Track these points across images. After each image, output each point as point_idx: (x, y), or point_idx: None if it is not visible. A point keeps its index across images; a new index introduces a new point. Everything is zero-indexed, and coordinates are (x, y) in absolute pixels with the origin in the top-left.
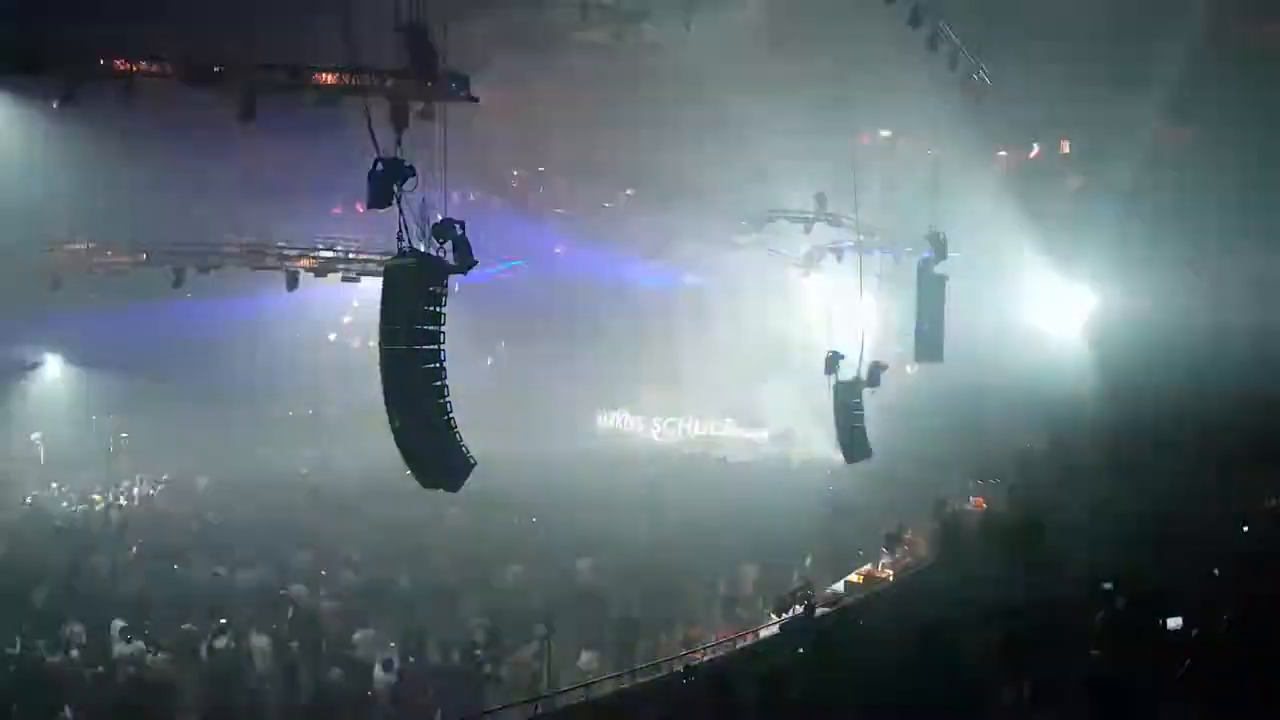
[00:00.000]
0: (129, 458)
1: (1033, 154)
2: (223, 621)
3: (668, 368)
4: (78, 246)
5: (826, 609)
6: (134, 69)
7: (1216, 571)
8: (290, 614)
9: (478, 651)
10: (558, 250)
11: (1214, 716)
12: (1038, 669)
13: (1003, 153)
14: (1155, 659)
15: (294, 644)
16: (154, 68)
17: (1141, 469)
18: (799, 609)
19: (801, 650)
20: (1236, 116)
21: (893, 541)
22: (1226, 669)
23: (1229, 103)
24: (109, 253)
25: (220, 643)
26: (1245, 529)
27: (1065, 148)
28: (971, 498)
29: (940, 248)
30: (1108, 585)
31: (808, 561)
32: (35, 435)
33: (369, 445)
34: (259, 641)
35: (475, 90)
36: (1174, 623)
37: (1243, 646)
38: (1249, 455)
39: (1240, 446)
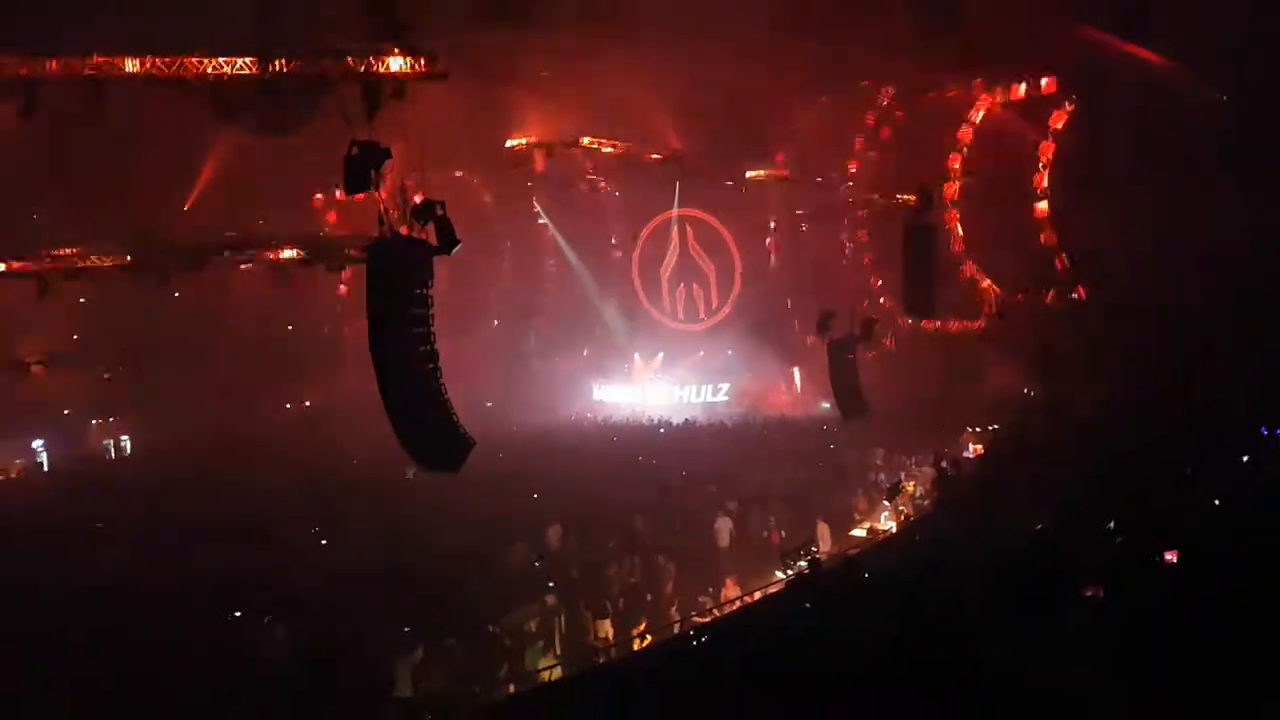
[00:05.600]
0: None
1: None
2: None
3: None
4: (65, 251)
5: (831, 563)
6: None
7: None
8: None
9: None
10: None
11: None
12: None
13: None
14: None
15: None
16: (125, 65)
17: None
18: (803, 565)
19: (808, 605)
20: None
21: (894, 493)
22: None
23: None
24: (94, 257)
25: None
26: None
27: None
28: (970, 444)
29: (927, 200)
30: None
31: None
32: None
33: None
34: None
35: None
36: (1171, 556)
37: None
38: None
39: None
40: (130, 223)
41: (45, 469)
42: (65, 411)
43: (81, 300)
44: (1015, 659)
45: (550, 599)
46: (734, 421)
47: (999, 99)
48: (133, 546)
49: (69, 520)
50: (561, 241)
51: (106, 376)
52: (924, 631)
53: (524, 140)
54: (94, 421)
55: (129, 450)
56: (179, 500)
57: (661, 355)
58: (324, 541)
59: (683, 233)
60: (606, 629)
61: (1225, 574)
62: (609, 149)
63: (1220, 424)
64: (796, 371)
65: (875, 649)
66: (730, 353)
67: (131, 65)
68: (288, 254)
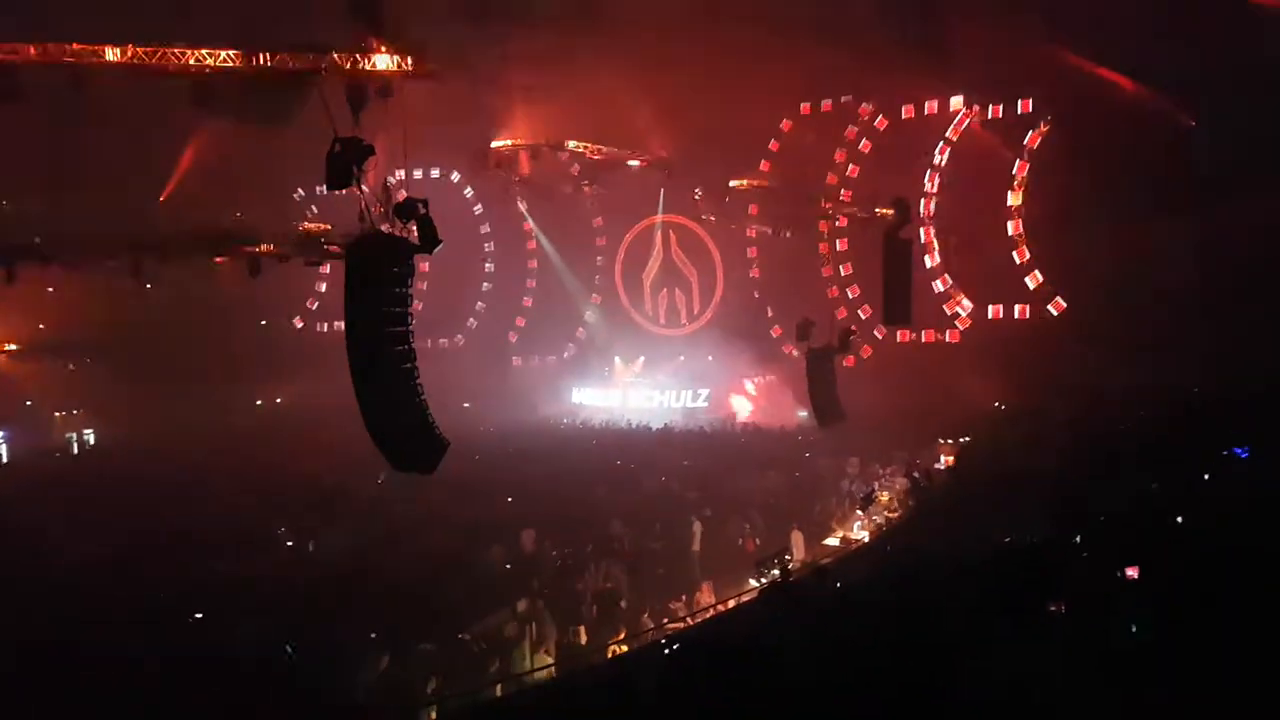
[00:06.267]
0: None
1: None
2: None
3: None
4: (34, 240)
5: (804, 572)
6: (80, 56)
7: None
8: None
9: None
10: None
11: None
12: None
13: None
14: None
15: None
16: (105, 54)
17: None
18: (776, 574)
19: (779, 615)
20: None
21: (868, 502)
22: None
23: None
24: (65, 246)
25: None
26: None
27: None
28: (942, 455)
29: (904, 213)
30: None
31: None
32: None
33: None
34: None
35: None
36: (1132, 572)
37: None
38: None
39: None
40: (104, 212)
41: (3, 461)
42: (28, 403)
43: (49, 289)
44: (985, 671)
45: (522, 605)
46: (713, 428)
47: (976, 117)
48: (91, 545)
49: (24, 517)
50: (545, 243)
51: (71, 368)
52: (894, 642)
53: (509, 142)
54: (56, 414)
55: (92, 444)
56: (141, 498)
57: (643, 359)
58: (290, 543)
59: (666, 238)
60: (579, 636)
61: (1186, 590)
62: (596, 156)
63: (1182, 442)
64: (757, 382)
65: (846, 659)
66: (711, 358)
67: (112, 54)
68: (265, 248)
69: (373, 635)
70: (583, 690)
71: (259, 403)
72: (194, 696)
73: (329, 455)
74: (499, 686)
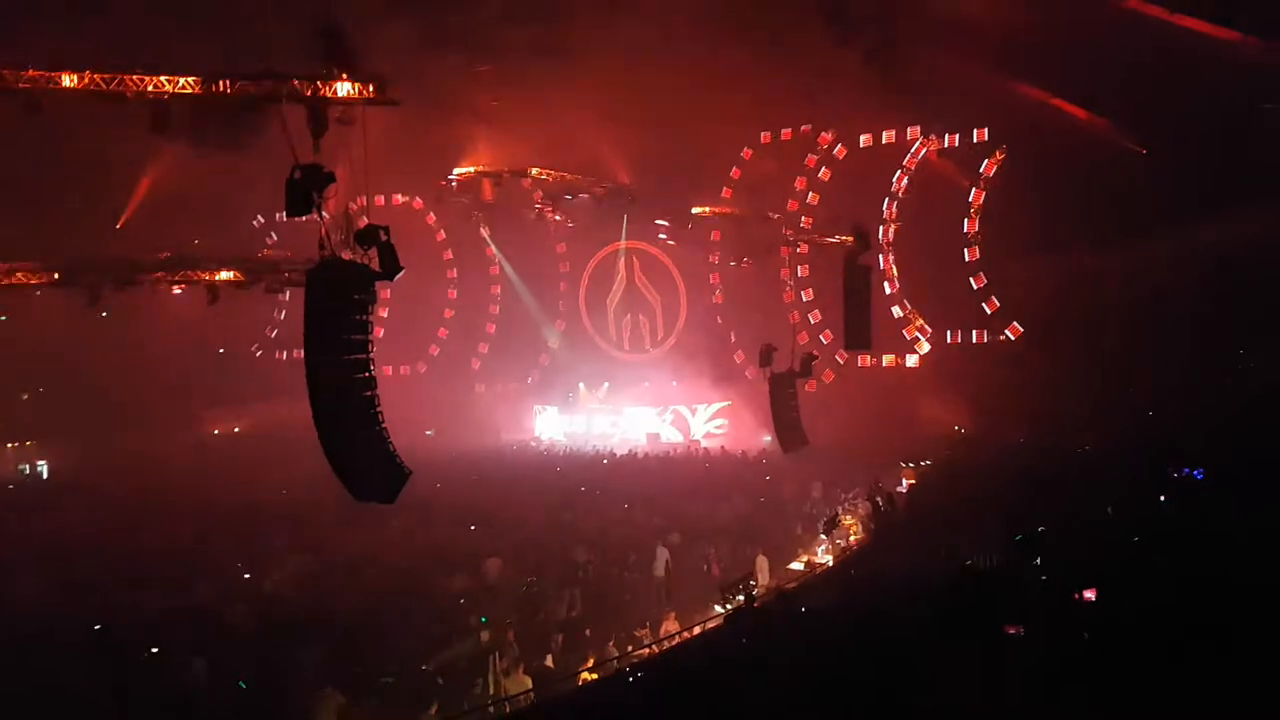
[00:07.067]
0: None
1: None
2: None
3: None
4: None
5: (769, 597)
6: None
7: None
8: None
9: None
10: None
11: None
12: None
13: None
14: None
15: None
16: (62, 80)
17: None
18: (741, 599)
19: (745, 640)
20: None
21: (831, 526)
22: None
23: None
24: (19, 274)
25: None
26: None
27: None
28: (904, 479)
29: (864, 240)
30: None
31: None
32: None
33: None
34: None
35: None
36: (1090, 594)
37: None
38: None
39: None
40: (60, 238)
41: None
42: None
43: (2, 317)
44: (944, 693)
45: (485, 635)
46: (677, 453)
47: (934, 146)
48: (42, 578)
49: None
50: (508, 269)
51: (25, 397)
52: (858, 666)
53: (472, 169)
54: (9, 445)
55: (45, 475)
56: (94, 528)
57: (607, 385)
58: (247, 576)
59: (629, 264)
60: (545, 664)
61: (1142, 611)
62: (558, 183)
63: (1138, 464)
64: (720, 407)
65: (811, 683)
66: (674, 384)
67: (69, 80)
68: (224, 275)
69: (334, 666)
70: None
71: (216, 432)
72: None
73: (288, 484)
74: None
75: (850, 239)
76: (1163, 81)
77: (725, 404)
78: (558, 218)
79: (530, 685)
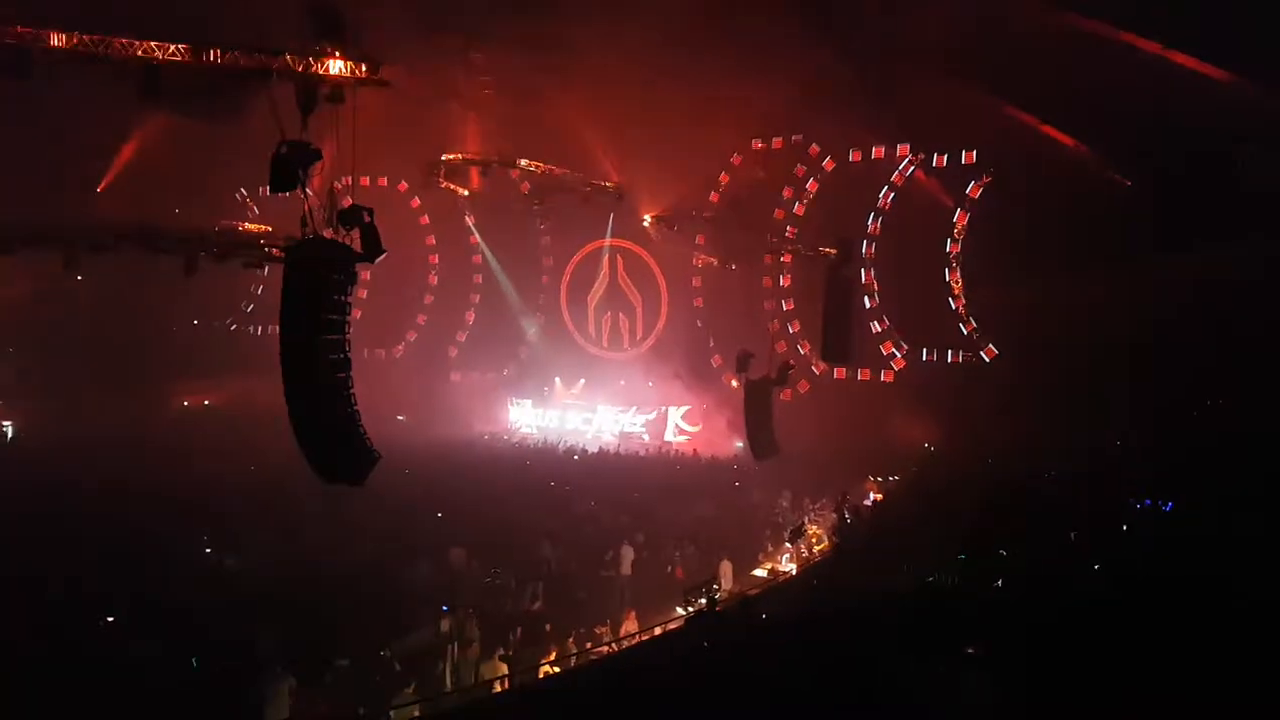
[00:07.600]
0: None
1: None
2: None
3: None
4: None
5: (731, 602)
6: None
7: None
8: None
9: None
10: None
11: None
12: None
13: None
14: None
15: None
16: (50, 39)
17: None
18: (703, 603)
19: (706, 644)
20: None
21: (797, 535)
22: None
23: None
24: None
25: None
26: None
27: None
28: (871, 492)
29: (847, 253)
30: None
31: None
32: None
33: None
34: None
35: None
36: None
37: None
38: None
39: None
40: (38, 200)
41: None
42: None
43: None
44: (899, 711)
45: (445, 623)
46: (648, 454)
47: (921, 165)
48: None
49: None
50: (491, 259)
51: None
52: (817, 674)
53: (460, 156)
54: None
55: (10, 436)
56: (55, 495)
57: (583, 381)
58: (208, 550)
59: (613, 262)
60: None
61: (1105, 633)
62: (545, 176)
63: (1102, 493)
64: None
65: (766, 690)
66: (650, 384)
67: (57, 39)
68: (203, 247)
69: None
70: (502, 714)
71: (185, 404)
72: (91, 711)
73: (255, 462)
74: (416, 706)
75: (834, 251)
76: (1149, 116)
77: (700, 407)
78: (541, 209)
79: (506, 671)
